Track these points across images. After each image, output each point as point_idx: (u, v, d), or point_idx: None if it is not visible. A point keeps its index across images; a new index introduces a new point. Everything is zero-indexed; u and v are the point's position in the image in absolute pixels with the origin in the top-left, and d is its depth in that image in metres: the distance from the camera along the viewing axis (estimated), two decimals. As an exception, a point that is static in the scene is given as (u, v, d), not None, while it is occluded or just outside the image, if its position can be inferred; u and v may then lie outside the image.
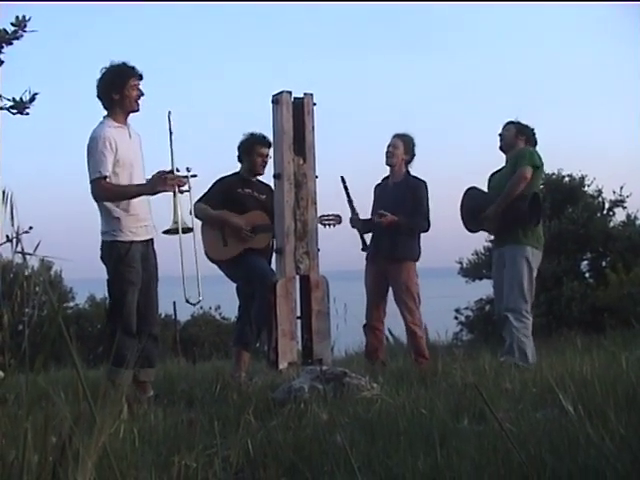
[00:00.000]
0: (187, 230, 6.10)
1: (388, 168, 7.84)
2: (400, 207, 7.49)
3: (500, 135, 7.42)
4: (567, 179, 15.03)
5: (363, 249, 7.77)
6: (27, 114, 3.47)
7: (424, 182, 7.74)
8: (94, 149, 5.61)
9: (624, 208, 14.86)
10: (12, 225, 1.95)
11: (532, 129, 7.43)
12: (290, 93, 6.37)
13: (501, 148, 7.44)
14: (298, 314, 6.35)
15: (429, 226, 7.62)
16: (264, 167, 7.14)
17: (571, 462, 2.45)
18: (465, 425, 3.35)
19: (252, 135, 7.21)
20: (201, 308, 18.61)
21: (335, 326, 6.44)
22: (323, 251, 6.49)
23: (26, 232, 2.04)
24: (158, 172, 5.92)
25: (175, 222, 5.99)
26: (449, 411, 3.85)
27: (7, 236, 1.98)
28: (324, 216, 7.16)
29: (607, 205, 14.90)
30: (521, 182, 6.97)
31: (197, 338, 16.61)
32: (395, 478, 2.62)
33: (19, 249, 1.93)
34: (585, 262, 14.91)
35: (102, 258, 5.77)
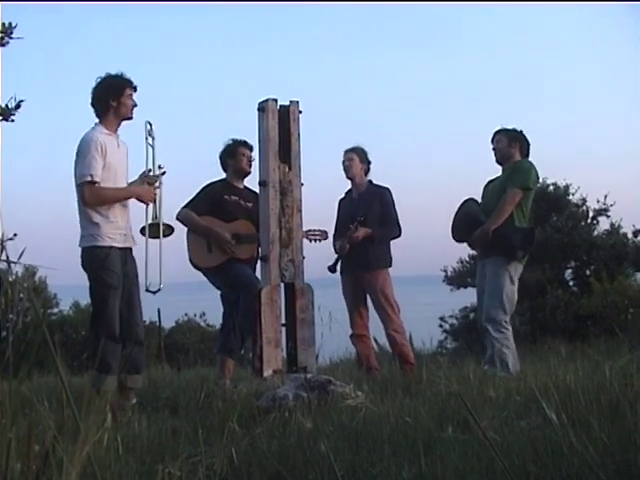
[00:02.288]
0: (167, 230, 6.21)
1: (349, 182, 8.00)
2: (369, 217, 7.60)
3: (494, 149, 7.37)
4: (552, 188, 15.09)
5: (332, 270, 7.83)
6: (12, 121, 3.46)
7: (388, 189, 7.97)
8: (85, 152, 5.69)
9: (608, 217, 14.93)
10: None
11: (520, 131, 7.36)
12: (276, 101, 6.36)
13: (497, 161, 7.38)
14: (283, 322, 6.34)
15: (400, 231, 7.77)
16: (250, 166, 7.17)
17: (554, 471, 2.45)
18: (449, 434, 3.34)
19: (234, 140, 7.29)
20: (185, 315, 18.55)
21: (320, 334, 6.44)
22: (308, 259, 6.50)
23: (10, 239, 2.04)
24: (143, 173, 6.07)
25: (154, 219, 6.13)
26: (433, 420, 3.85)
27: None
28: (310, 231, 7.21)
29: (591, 214, 14.96)
30: (509, 207, 6.95)
31: (181, 345, 16.52)
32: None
33: (4, 256, 1.92)
34: (569, 270, 14.96)
35: (83, 265, 5.81)
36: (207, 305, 16.58)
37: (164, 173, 6.22)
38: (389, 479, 2.66)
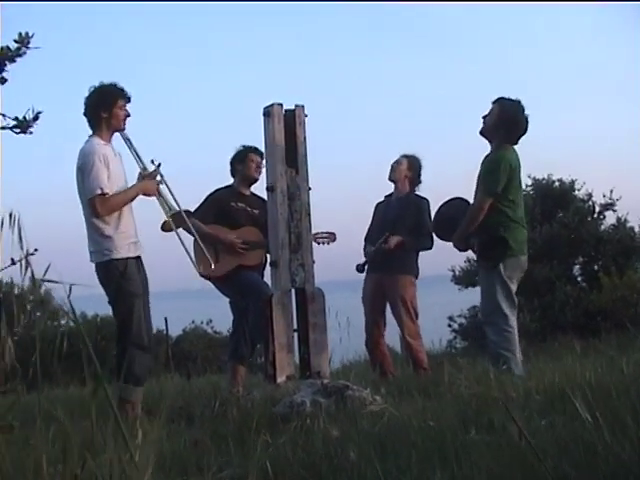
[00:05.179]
0: (180, 220, 6.12)
1: (392, 185, 7.92)
2: (401, 222, 7.53)
3: (483, 118, 6.88)
4: (557, 184, 15.11)
5: (360, 270, 7.79)
6: (31, 133, 3.43)
7: (426, 199, 7.86)
8: (90, 166, 5.62)
9: (614, 211, 14.94)
10: (21, 248, 1.91)
11: (521, 106, 6.80)
12: (281, 105, 6.32)
13: (481, 133, 6.89)
14: (295, 327, 6.29)
15: (432, 243, 7.67)
16: (259, 173, 7.14)
17: (591, 471, 2.40)
18: (480, 436, 3.28)
19: (244, 146, 7.30)
20: (192, 322, 18.56)
21: (338, 339, 6.39)
22: (326, 260, 6.45)
23: (31, 254, 2.00)
24: (140, 175, 6.01)
25: (170, 212, 6.05)
26: (457, 422, 3.79)
27: (12, 259, 1.94)
28: (318, 234, 7.15)
29: (597, 209, 14.97)
30: (478, 215, 6.66)
31: (189, 353, 16.52)
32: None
33: (29, 272, 1.88)
34: (577, 266, 14.95)
35: (101, 280, 5.74)
36: (214, 312, 16.56)
37: (160, 165, 6.13)
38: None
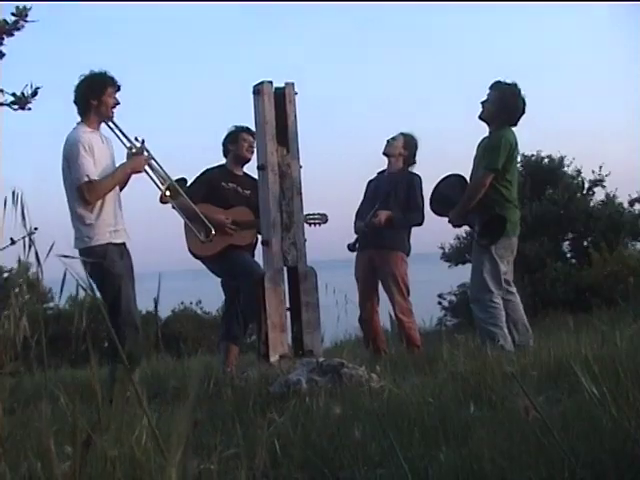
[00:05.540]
0: (175, 191, 6.11)
1: (386, 161, 7.93)
2: (392, 198, 7.54)
3: (482, 103, 6.96)
4: (546, 160, 15.12)
5: (352, 249, 7.81)
6: (29, 109, 3.38)
7: (418, 175, 7.87)
8: (75, 154, 5.69)
9: (603, 187, 15.01)
10: (24, 226, 1.89)
11: (517, 88, 6.86)
12: (271, 83, 6.29)
13: (481, 117, 6.98)
14: (287, 306, 6.28)
15: (423, 219, 7.67)
16: (251, 153, 7.10)
17: (598, 444, 2.39)
18: (474, 412, 3.26)
19: (236, 126, 7.28)
20: (182, 303, 18.52)
21: (336, 316, 6.38)
22: (324, 239, 6.43)
23: (32, 233, 1.97)
24: (128, 154, 5.99)
25: (166, 183, 6.03)
26: (456, 399, 3.79)
27: (11, 239, 1.92)
28: (309, 215, 7.14)
29: (587, 185, 15.03)
30: (479, 190, 6.70)
31: (179, 334, 16.52)
32: (418, 470, 2.54)
33: (32, 251, 1.86)
34: (567, 243, 15.02)
35: (84, 265, 5.72)
36: (203, 292, 16.53)
37: (143, 141, 6.12)
38: (428, 462, 2.58)
